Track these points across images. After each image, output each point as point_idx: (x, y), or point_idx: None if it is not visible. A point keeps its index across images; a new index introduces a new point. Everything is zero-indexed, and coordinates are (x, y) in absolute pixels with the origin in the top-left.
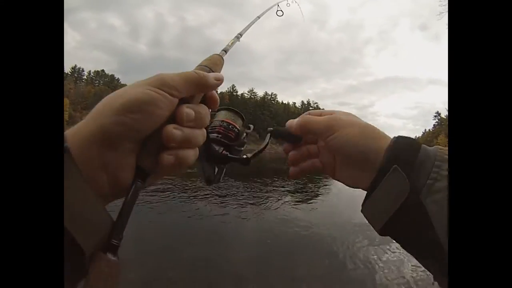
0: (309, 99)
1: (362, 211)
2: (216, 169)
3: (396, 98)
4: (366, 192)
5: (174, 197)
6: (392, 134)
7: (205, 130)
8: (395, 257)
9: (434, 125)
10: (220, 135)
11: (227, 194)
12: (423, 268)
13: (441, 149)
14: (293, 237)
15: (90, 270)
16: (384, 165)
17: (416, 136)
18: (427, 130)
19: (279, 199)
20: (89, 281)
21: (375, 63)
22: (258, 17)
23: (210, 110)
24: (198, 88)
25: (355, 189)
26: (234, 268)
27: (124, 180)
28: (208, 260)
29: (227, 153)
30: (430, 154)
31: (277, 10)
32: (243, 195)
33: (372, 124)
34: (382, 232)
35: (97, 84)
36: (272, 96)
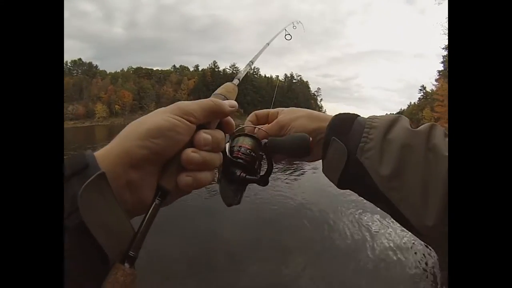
0: (292, 72)
1: (323, 172)
2: (237, 191)
3: (380, 71)
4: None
5: None
6: (376, 106)
7: (221, 154)
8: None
9: (419, 98)
10: (239, 159)
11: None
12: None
13: (371, 118)
14: (284, 210)
15: (107, 278)
16: (326, 138)
17: (401, 109)
18: (412, 103)
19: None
20: None
21: (359, 35)
22: (268, 44)
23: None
24: (214, 115)
25: None
26: (227, 244)
27: (146, 198)
28: (203, 236)
29: (245, 175)
30: (361, 123)
31: (286, 34)
32: None
33: (357, 96)
34: (339, 186)
35: (75, 74)
36: (255, 70)
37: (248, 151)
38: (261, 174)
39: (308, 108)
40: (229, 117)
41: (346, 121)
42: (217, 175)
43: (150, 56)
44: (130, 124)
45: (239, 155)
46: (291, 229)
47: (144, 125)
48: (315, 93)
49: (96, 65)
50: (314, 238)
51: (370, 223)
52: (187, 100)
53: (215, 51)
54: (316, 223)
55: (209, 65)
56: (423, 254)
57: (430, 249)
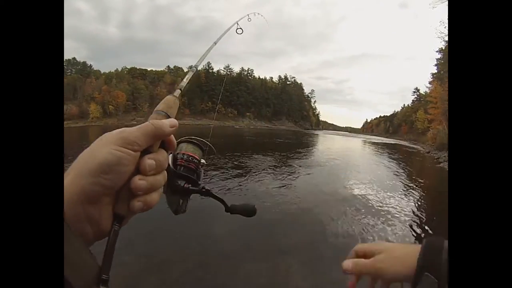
0: (286, 74)
1: None
2: (181, 201)
3: (373, 74)
4: None
5: None
6: (369, 108)
7: (165, 172)
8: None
9: (413, 100)
10: (182, 168)
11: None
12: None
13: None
14: (276, 209)
15: None
16: (417, 275)
17: (394, 111)
18: (405, 105)
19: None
20: None
21: (352, 38)
22: (215, 43)
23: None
24: (156, 138)
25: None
26: (220, 244)
27: (105, 226)
28: (196, 237)
29: (189, 185)
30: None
31: (237, 28)
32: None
33: (350, 98)
34: None
35: (69, 74)
36: (249, 71)
37: (190, 158)
38: (202, 184)
39: (302, 110)
40: (171, 136)
41: (435, 251)
42: (163, 187)
43: (145, 56)
44: (80, 157)
45: (182, 163)
46: (285, 229)
47: (95, 160)
48: (309, 95)
49: (91, 64)
50: (308, 238)
51: (365, 222)
52: (180, 101)
53: (209, 52)
54: (309, 223)
55: (203, 66)
56: None
57: None
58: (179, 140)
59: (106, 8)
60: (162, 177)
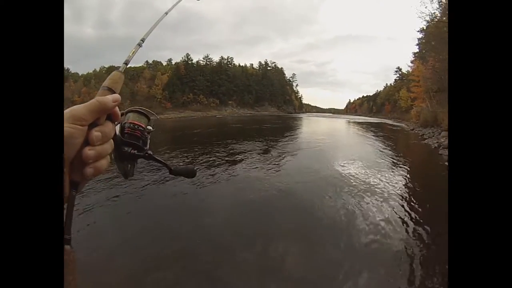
0: (266, 59)
1: None
2: (129, 166)
3: (355, 55)
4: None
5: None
6: (352, 89)
7: (112, 141)
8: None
9: (395, 79)
10: (127, 135)
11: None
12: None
13: None
14: (267, 194)
15: None
16: None
17: (377, 90)
18: (388, 84)
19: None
20: None
21: (333, 20)
22: (166, 14)
23: (116, 123)
24: (101, 112)
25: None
26: (211, 234)
27: (65, 192)
28: (191, 230)
29: (135, 151)
30: None
31: None
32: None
33: (333, 80)
34: None
35: None
36: (229, 60)
37: (136, 126)
38: (148, 150)
39: (284, 94)
40: (115, 109)
41: None
42: (112, 154)
43: (123, 54)
44: None
45: (128, 131)
46: (275, 213)
47: None
48: (290, 79)
49: (68, 68)
50: (298, 221)
51: (354, 202)
52: (161, 95)
53: (188, 44)
54: (299, 205)
55: (182, 58)
56: (411, 229)
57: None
58: (126, 110)
59: (80, 8)
60: (109, 146)
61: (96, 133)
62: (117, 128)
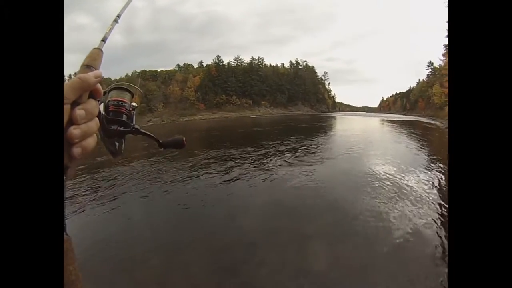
0: (297, 59)
1: None
2: (117, 144)
3: (383, 50)
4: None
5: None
6: (384, 86)
7: (97, 119)
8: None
9: (427, 75)
10: (112, 113)
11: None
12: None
13: None
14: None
15: None
16: None
17: (410, 87)
18: (420, 80)
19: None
20: None
21: (359, 15)
22: None
23: (98, 100)
24: (83, 90)
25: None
26: (244, 234)
27: None
28: (219, 227)
29: (121, 127)
30: None
31: None
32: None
33: (363, 77)
34: None
35: None
36: (259, 60)
37: (120, 102)
38: (134, 125)
39: (317, 93)
40: (97, 85)
41: None
42: (99, 134)
43: (152, 58)
44: None
45: (113, 109)
46: (309, 215)
47: None
48: (322, 77)
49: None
50: (332, 224)
51: (387, 210)
52: (194, 97)
53: (216, 46)
54: (332, 209)
55: (213, 60)
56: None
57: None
58: (108, 87)
59: (107, 18)
60: (94, 124)
61: (79, 111)
62: (101, 107)
